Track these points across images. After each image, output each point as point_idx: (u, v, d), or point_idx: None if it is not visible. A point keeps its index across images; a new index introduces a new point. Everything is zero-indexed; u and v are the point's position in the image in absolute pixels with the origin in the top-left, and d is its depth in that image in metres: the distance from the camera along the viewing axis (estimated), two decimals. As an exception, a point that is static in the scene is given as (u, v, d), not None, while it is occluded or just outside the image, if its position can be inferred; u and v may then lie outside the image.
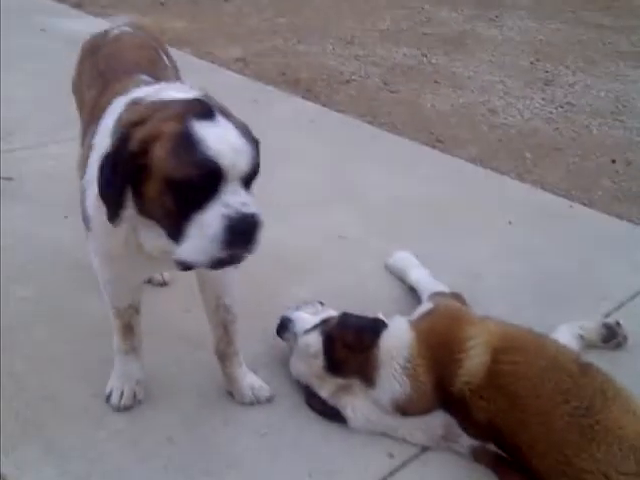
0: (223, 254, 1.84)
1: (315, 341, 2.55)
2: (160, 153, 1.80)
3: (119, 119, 1.94)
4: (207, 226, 1.80)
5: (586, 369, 2.34)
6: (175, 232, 1.85)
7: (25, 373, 2.59)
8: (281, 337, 2.71)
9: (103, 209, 1.93)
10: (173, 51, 5.29)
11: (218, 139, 1.80)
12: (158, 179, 1.81)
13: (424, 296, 3.00)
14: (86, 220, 2.13)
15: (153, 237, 1.96)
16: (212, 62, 5.53)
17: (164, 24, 6.09)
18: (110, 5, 6.72)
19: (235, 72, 5.39)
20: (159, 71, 2.51)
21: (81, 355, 2.68)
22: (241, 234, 1.82)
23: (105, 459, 2.28)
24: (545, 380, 2.28)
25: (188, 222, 1.82)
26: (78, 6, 6.61)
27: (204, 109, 1.84)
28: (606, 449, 2.13)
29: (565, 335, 2.82)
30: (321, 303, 2.80)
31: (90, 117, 2.24)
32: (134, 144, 1.81)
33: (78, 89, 2.66)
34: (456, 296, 2.91)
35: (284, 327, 2.70)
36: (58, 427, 2.38)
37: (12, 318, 2.82)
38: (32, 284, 3.01)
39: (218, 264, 1.90)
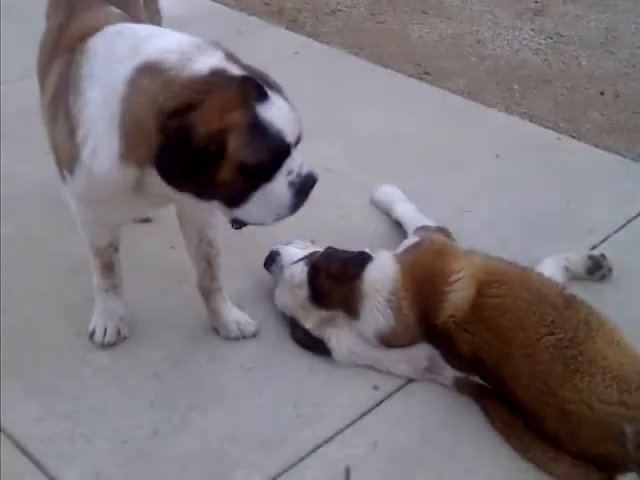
0: (288, 214, 2.01)
1: (300, 271, 2.55)
2: (235, 145, 1.82)
3: (138, 90, 1.86)
4: (276, 195, 1.93)
5: (570, 301, 2.35)
6: (236, 201, 1.94)
7: (6, 311, 2.57)
8: (268, 270, 2.70)
9: (108, 160, 1.91)
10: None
11: (281, 119, 1.88)
12: (232, 166, 1.84)
13: (409, 230, 2.99)
14: (73, 167, 2.02)
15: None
16: (194, -8, 5.38)
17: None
18: None
19: (218, 2, 5.25)
20: (130, 5, 2.43)
21: (63, 293, 2.67)
22: (305, 193, 2.00)
23: (90, 396, 2.29)
24: (530, 313, 2.29)
25: (254, 193, 1.91)
26: None
27: (258, 89, 1.88)
28: (589, 379, 2.15)
29: (550, 267, 2.82)
30: (312, 242, 2.79)
31: (53, 49, 2.15)
32: (202, 139, 1.80)
33: (48, 15, 2.55)
34: (442, 230, 2.89)
35: (272, 260, 2.69)
36: (41, 365, 2.38)
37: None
38: (13, 222, 2.97)
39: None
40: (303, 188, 1.98)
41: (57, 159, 2.11)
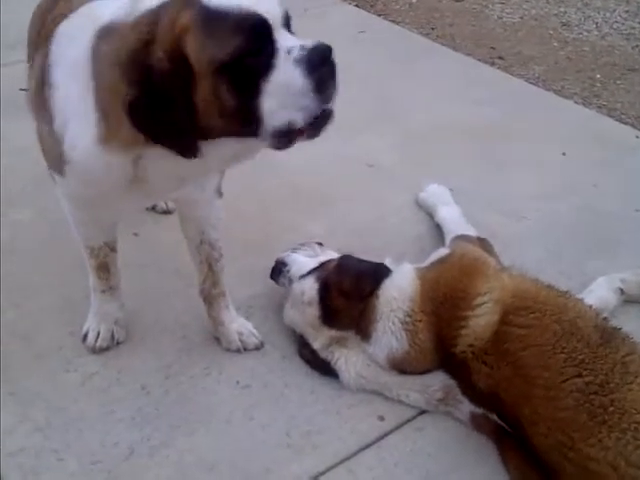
0: (315, 103, 1.59)
1: (310, 288, 2.31)
2: (195, 46, 1.53)
3: (100, 59, 1.66)
4: (285, 82, 1.56)
5: (609, 337, 2.03)
6: (249, 124, 1.60)
7: (4, 303, 2.45)
8: (276, 282, 2.48)
9: (96, 150, 1.71)
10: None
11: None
12: (208, 74, 1.54)
13: (447, 238, 2.72)
14: (61, 165, 1.85)
15: (168, 164, 1.73)
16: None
17: None
18: None
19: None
20: None
21: (65, 288, 2.52)
22: (321, 65, 1.58)
23: (70, 407, 2.14)
24: (557, 348, 1.99)
25: (259, 100, 1.57)
26: None
27: None
28: (618, 435, 1.85)
29: (602, 288, 2.51)
30: (319, 244, 2.55)
31: (37, 36, 1.99)
32: (161, 62, 1.54)
33: None
34: (481, 241, 2.60)
35: (279, 271, 2.47)
36: (26, 367, 2.25)
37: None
38: (30, 207, 2.86)
39: (315, 122, 1.62)
40: (315, 60, 1.57)
41: (45, 160, 1.95)
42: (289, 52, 1.56)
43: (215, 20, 1.54)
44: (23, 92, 2.17)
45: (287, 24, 1.66)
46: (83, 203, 2.00)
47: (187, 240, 2.27)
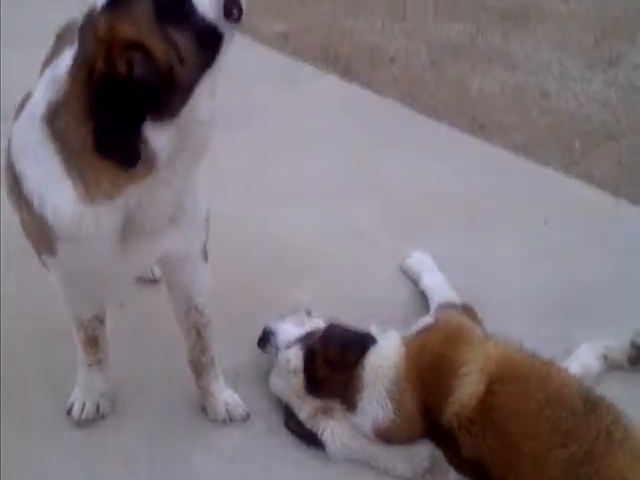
0: None
1: (295, 356, 2.33)
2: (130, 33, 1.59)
3: (51, 120, 1.71)
4: None
5: (593, 406, 2.05)
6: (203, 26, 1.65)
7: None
8: (263, 350, 2.49)
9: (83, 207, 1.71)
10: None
11: None
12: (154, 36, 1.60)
13: (432, 305, 2.75)
14: (51, 244, 1.85)
15: (158, 192, 1.77)
16: (252, 38, 5.27)
17: None
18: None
19: (274, 48, 5.13)
20: None
21: (50, 358, 2.52)
22: None
23: (49, 482, 2.11)
24: (542, 418, 2.01)
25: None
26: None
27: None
28: (604, 505, 1.85)
29: (587, 355, 2.54)
30: (309, 312, 2.57)
31: None
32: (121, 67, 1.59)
33: None
34: (466, 308, 2.63)
35: (266, 339, 2.48)
36: (9, 439, 2.22)
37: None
38: (15, 276, 2.86)
39: None
40: None
41: (35, 248, 1.97)
42: None
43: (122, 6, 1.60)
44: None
45: None
46: (75, 278, 2.01)
47: (174, 307, 2.28)
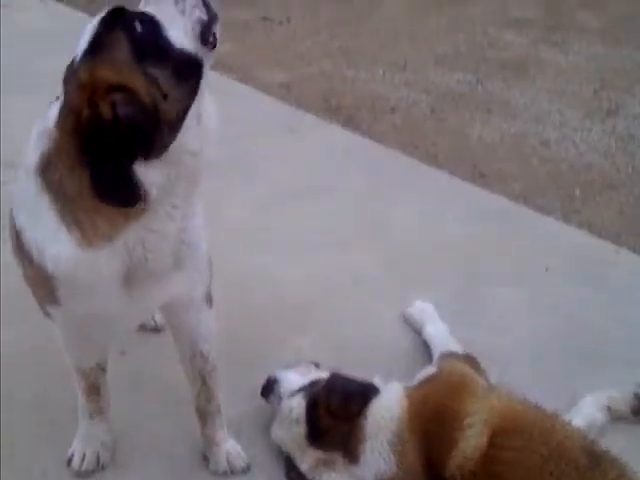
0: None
1: (298, 405, 2.32)
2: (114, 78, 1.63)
3: (44, 172, 1.74)
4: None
5: (597, 460, 2.03)
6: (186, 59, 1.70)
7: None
8: (266, 399, 2.48)
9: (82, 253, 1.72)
10: (215, 76, 5.22)
11: None
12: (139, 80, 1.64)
13: (435, 355, 2.74)
14: (53, 293, 1.86)
15: (165, 225, 1.79)
16: (255, 87, 5.35)
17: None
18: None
19: (277, 98, 5.19)
20: None
21: (51, 408, 2.50)
22: None
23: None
24: (545, 472, 1.99)
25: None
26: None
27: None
28: None
29: (590, 407, 2.52)
30: (316, 365, 2.56)
31: None
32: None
33: None
34: (469, 358, 2.62)
35: (269, 388, 2.47)
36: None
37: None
38: (14, 325, 2.84)
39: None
40: None
41: (38, 301, 1.98)
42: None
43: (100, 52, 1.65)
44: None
45: None
46: (79, 326, 2.01)
47: (180, 353, 2.27)
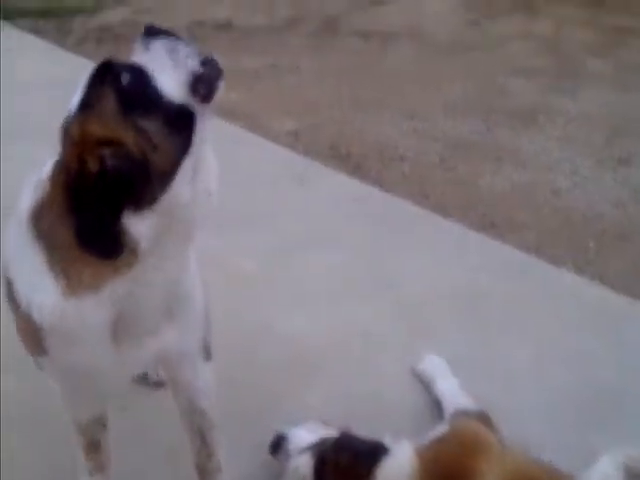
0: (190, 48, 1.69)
1: (305, 463, 2.25)
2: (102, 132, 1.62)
3: (35, 221, 1.73)
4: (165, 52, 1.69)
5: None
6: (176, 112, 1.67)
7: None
8: (274, 456, 2.41)
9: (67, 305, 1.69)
10: (224, 125, 5.23)
11: None
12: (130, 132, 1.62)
13: (447, 413, 2.67)
14: (41, 343, 1.82)
15: (155, 277, 1.74)
16: (263, 136, 5.34)
17: (220, 95, 5.96)
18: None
19: (285, 146, 5.18)
20: None
21: (50, 462, 2.43)
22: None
23: None
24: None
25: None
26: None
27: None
28: None
29: (606, 466, 2.42)
30: (325, 422, 2.49)
31: None
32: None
33: None
34: (482, 416, 2.54)
35: (278, 445, 2.40)
36: None
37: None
38: (14, 373, 2.79)
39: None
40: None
41: (29, 350, 1.93)
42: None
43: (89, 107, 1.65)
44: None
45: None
46: (70, 377, 1.96)
47: (179, 409, 2.21)
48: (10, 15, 8.62)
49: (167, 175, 1.65)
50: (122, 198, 1.60)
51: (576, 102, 6.31)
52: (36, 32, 8.10)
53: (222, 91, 1.71)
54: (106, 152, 1.59)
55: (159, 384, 2.76)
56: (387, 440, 2.33)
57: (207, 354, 2.14)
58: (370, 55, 7.40)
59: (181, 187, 1.67)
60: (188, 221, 1.74)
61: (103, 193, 1.58)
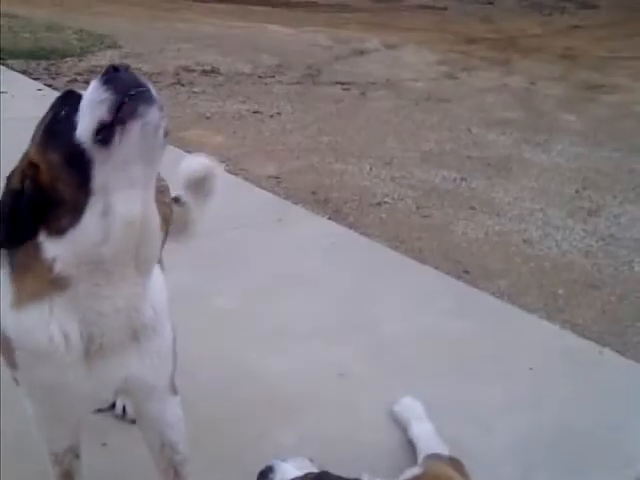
0: (113, 95, 1.66)
1: None
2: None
3: None
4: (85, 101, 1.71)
5: None
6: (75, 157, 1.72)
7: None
8: None
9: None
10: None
11: None
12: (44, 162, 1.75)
13: (420, 455, 2.71)
14: (12, 356, 1.89)
15: (99, 300, 1.81)
16: (245, 179, 5.44)
17: (204, 138, 6.10)
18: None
19: (266, 189, 5.29)
20: None
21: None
22: (111, 73, 1.69)
23: None
24: None
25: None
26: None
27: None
28: None
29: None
30: (311, 460, 2.53)
31: None
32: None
33: None
34: (454, 462, 2.59)
35: (265, 476, 2.44)
36: None
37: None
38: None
39: (128, 105, 1.66)
40: (106, 73, 1.70)
41: (6, 365, 1.99)
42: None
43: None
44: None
45: None
46: (40, 393, 1.99)
47: (148, 444, 2.22)
48: (2, 55, 8.73)
49: (73, 209, 1.71)
50: (34, 215, 1.73)
51: (549, 154, 6.50)
52: (27, 73, 8.21)
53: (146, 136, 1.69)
54: (28, 173, 1.75)
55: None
56: (365, 478, 2.37)
57: (174, 388, 2.16)
58: (349, 104, 7.58)
59: (90, 225, 1.72)
60: (104, 257, 1.76)
61: (19, 207, 1.74)
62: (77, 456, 2.19)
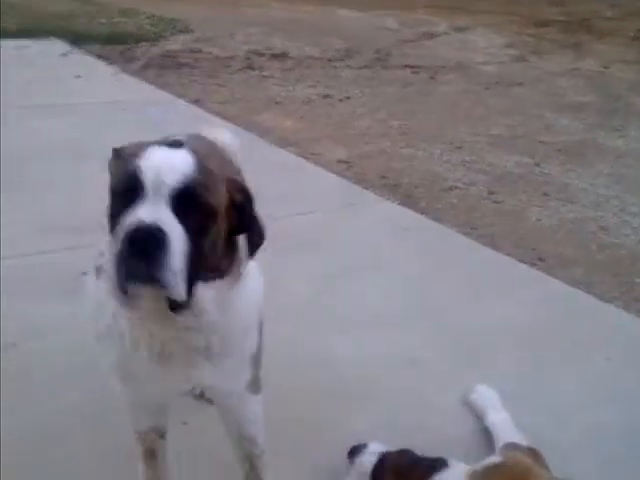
0: (122, 270, 1.65)
1: (368, 460, 2.40)
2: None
3: None
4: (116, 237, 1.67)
5: None
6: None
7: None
8: (351, 461, 2.51)
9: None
10: (277, 150, 5.34)
11: (146, 156, 1.69)
12: None
13: (497, 445, 2.68)
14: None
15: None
16: (315, 163, 5.45)
17: (274, 123, 6.12)
18: (226, 101, 6.84)
19: (336, 174, 5.28)
20: None
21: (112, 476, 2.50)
22: (133, 243, 1.62)
23: None
24: None
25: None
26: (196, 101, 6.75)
27: None
28: None
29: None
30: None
31: None
32: None
33: None
34: (532, 452, 2.56)
35: (358, 450, 2.50)
36: None
37: (50, 425, 2.69)
38: (78, 389, 2.88)
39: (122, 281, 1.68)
40: (132, 234, 1.63)
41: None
42: (133, 216, 1.64)
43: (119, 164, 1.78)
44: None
45: (179, 200, 1.67)
46: (125, 373, 2.01)
47: (227, 435, 2.25)
48: (79, 40, 8.90)
49: None
50: None
51: (625, 139, 6.33)
52: (103, 57, 8.36)
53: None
54: None
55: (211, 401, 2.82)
56: (450, 459, 2.38)
57: (256, 387, 2.17)
58: (419, 88, 7.51)
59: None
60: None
61: None
62: (162, 436, 2.23)
